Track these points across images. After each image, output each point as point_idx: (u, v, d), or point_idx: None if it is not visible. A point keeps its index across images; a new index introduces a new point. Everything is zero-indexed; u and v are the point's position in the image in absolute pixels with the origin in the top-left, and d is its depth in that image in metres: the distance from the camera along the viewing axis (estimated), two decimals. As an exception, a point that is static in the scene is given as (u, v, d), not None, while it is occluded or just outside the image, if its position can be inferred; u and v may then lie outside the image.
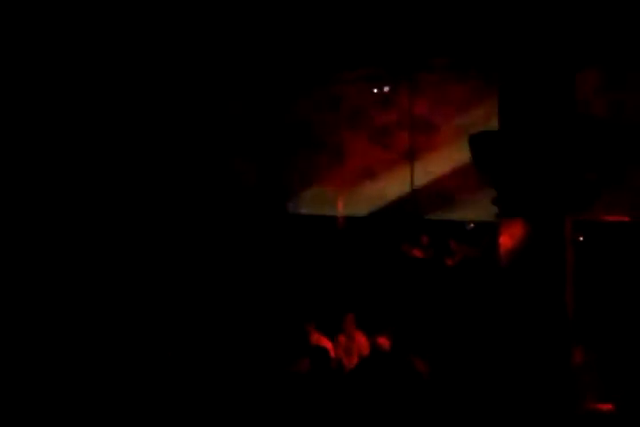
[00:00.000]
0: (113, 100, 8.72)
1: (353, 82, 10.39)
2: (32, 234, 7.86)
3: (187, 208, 9.50)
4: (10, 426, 6.37)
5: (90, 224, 8.39)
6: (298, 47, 9.73)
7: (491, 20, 7.50)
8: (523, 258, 6.95)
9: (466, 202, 9.35)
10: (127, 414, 6.42)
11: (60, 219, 8.10)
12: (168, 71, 9.30)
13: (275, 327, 8.15)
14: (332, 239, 10.09)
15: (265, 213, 10.54)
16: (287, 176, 10.99)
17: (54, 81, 8.15)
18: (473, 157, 8.18)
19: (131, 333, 7.92)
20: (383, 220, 10.15)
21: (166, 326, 8.16)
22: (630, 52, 6.96)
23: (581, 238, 7.27)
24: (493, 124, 7.51)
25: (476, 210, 9.04)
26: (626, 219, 7.01)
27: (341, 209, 10.20)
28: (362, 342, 7.56)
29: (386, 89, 10.20)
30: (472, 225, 9.34)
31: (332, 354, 7.38)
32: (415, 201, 9.93)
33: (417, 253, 9.37)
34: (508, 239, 7.07)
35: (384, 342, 7.33)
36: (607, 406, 6.23)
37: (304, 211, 10.86)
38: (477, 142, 7.83)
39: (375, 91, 10.25)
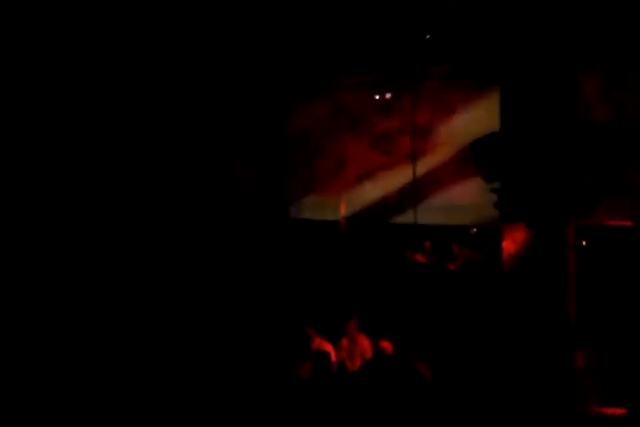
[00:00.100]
0: (115, 104, 8.75)
1: (354, 88, 10.43)
2: (31, 234, 7.87)
3: (187, 213, 9.52)
4: (10, 426, 6.36)
5: (90, 227, 8.40)
6: (299, 54, 9.78)
7: (492, 25, 7.57)
8: (525, 262, 6.98)
9: (468, 207, 9.38)
10: (127, 414, 6.42)
11: (59, 221, 8.11)
12: (169, 77, 9.33)
13: (276, 331, 8.15)
14: (334, 244, 10.10)
15: (266, 218, 10.56)
16: (288, 182, 11.02)
17: (54, 81, 8.16)
18: (474, 162, 8.25)
19: (131, 333, 7.92)
20: (385, 225, 10.17)
21: (167, 328, 8.16)
22: (630, 54, 7.00)
23: (584, 243, 7.29)
24: (495, 130, 7.58)
25: (479, 215, 9.07)
26: (628, 223, 7.04)
27: (343, 214, 10.22)
28: (365, 345, 7.57)
29: (387, 95, 10.24)
30: (475, 230, 9.36)
31: (334, 358, 7.39)
32: (417, 206, 9.96)
33: (420, 258, 9.39)
34: (510, 244, 7.11)
35: (387, 345, 7.36)
36: (617, 411, 6.23)
37: (306, 216, 10.88)
38: (479, 148, 7.89)
39: (377, 97, 10.29)
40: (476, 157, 8.48)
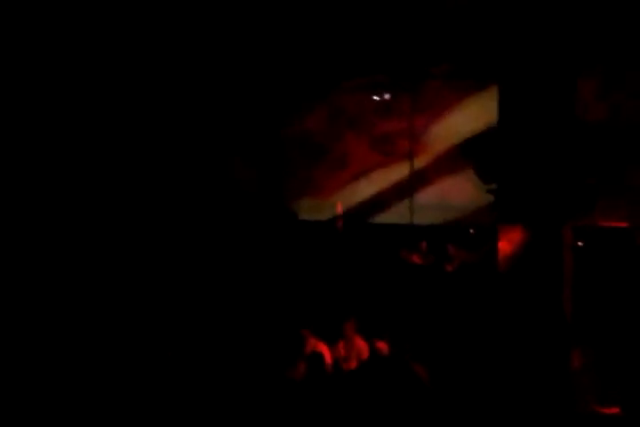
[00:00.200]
0: (116, 105, 8.76)
1: (354, 90, 10.44)
2: (32, 235, 7.87)
3: (187, 213, 9.53)
4: (10, 426, 6.36)
5: (91, 227, 8.40)
6: (299, 55, 9.79)
7: (491, 25, 7.59)
8: (521, 263, 7.00)
9: (465, 208, 9.38)
10: (126, 414, 6.42)
11: (60, 221, 8.12)
12: (170, 78, 9.35)
13: (272, 333, 8.15)
14: (332, 245, 10.10)
15: (264, 219, 10.56)
16: (287, 183, 11.02)
17: (54, 82, 8.17)
18: (472, 163, 8.27)
19: (131, 333, 7.92)
20: (382, 226, 10.18)
21: (167, 328, 8.16)
22: (629, 54, 7.02)
23: (580, 244, 7.32)
24: (493, 131, 7.60)
25: (476, 216, 9.09)
26: (624, 224, 7.06)
27: (340, 215, 10.22)
28: (362, 346, 7.57)
29: (386, 97, 10.25)
30: (472, 231, 9.37)
31: (330, 359, 7.39)
32: (415, 207, 9.96)
33: (416, 259, 9.39)
34: (506, 245, 7.13)
35: (383, 346, 7.36)
36: (613, 410, 6.24)
37: (304, 217, 10.88)
38: (477, 149, 7.91)
39: (376, 99, 10.31)
40: (474, 158, 8.51)
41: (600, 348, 6.86)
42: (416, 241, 9.51)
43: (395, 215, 10.21)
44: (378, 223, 10.28)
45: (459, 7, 7.96)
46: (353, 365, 7.47)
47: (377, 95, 10.30)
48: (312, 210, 10.87)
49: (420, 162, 10.01)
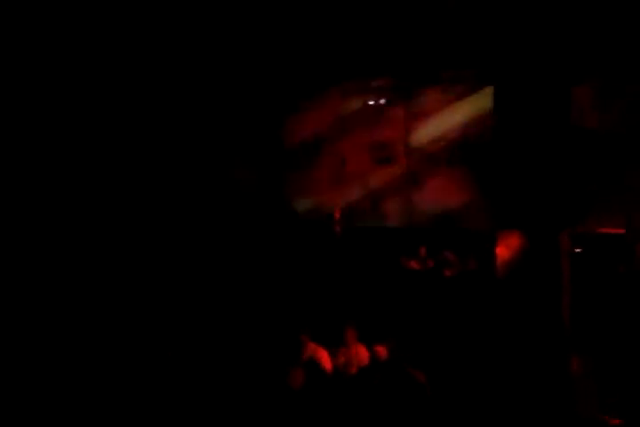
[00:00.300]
0: (117, 107, 8.77)
1: (352, 93, 10.46)
2: (33, 235, 7.89)
3: (187, 213, 9.55)
4: (10, 426, 6.36)
5: (92, 227, 8.42)
6: (300, 57, 9.80)
7: (488, 31, 7.60)
8: (519, 269, 7.02)
9: (463, 214, 9.41)
10: (126, 414, 6.43)
11: (61, 221, 8.14)
12: (170, 79, 9.36)
13: (270, 337, 8.15)
14: (330, 249, 10.11)
15: (264, 220, 10.57)
16: (286, 188, 11.04)
17: (55, 84, 8.18)
18: (470, 169, 8.29)
19: (131, 333, 7.93)
20: (380, 231, 10.19)
21: (166, 329, 8.17)
22: (625, 63, 7.05)
23: (578, 250, 7.35)
24: (490, 136, 7.62)
25: (474, 222, 9.11)
26: (622, 231, 7.10)
27: (338, 219, 10.24)
28: (362, 353, 7.56)
29: (383, 101, 10.28)
30: (469, 236, 9.35)
31: (330, 365, 7.38)
32: (412, 212, 9.99)
33: (414, 264, 9.40)
34: (504, 250, 7.15)
35: (381, 350, 7.35)
36: (613, 418, 6.28)
37: (302, 220, 10.89)
38: (474, 155, 7.93)
39: (373, 103, 10.33)
40: (472, 164, 8.53)
41: (599, 354, 6.89)
42: (414, 246, 9.53)
43: (392, 220, 10.24)
44: (375, 227, 10.30)
45: (457, 12, 7.98)
46: (352, 371, 7.46)
47: (374, 99, 10.33)
48: (310, 213, 10.89)
49: (418, 167, 10.04)
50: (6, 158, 7.80)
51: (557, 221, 7.02)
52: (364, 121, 10.47)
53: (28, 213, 7.92)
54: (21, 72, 7.89)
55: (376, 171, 10.41)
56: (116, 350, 7.58)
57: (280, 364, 7.14)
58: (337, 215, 10.17)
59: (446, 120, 9.82)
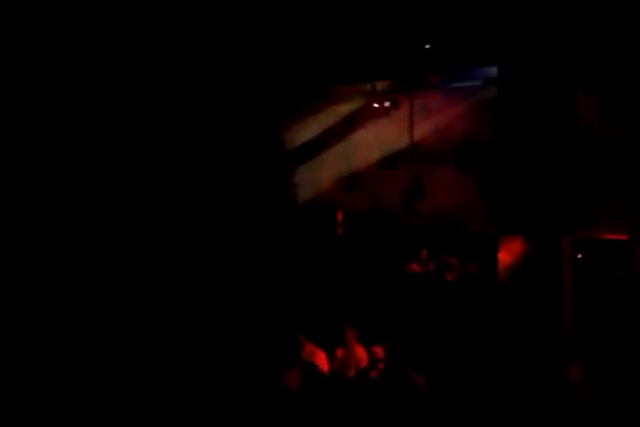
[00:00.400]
0: (119, 109, 8.79)
1: (353, 96, 10.48)
2: (33, 234, 7.89)
3: (187, 213, 9.56)
4: (10, 426, 6.36)
5: (92, 227, 8.43)
6: (301, 60, 9.82)
7: (491, 33, 7.61)
8: (521, 274, 7.01)
9: (466, 217, 9.42)
10: (126, 414, 6.42)
11: (60, 223, 8.14)
12: (171, 80, 9.37)
13: (267, 337, 8.14)
14: (331, 250, 10.12)
15: (263, 223, 10.58)
16: (288, 189, 11.06)
17: (56, 85, 8.19)
18: (472, 173, 8.28)
19: (130, 333, 7.93)
20: (383, 234, 10.20)
21: (166, 329, 8.17)
22: (628, 71, 7.06)
23: (579, 256, 7.34)
24: (492, 140, 7.60)
25: (476, 225, 9.12)
26: (624, 237, 7.09)
27: (340, 221, 10.25)
28: (360, 355, 7.54)
29: (386, 104, 10.30)
30: (472, 241, 9.37)
31: (327, 366, 7.36)
32: (415, 216, 10.00)
33: (415, 266, 9.41)
34: (506, 255, 7.13)
35: (379, 351, 7.33)
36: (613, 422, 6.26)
37: (302, 221, 10.90)
38: (478, 159, 7.92)
39: (376, 105, 10.35)
40: (474, 168, 8.52)
41: (599, 360, 6.88)
42: (416, 249, 9.54)
43: (395, 222, 10.25)
44: (377, 229, 10.30)
45: (458, 17, 7.99)
46: (351, 373, 7.44)
47: (377, 102, 10.34)
48: (312, 213, 10.90)
49: (420, 170, 10.06)
50: (6, 158, 7.81)
51: (559, 227, 7.01)
52: (367, 122, 10.50)
53: (27, 213, 7.93)
54: (22, 72, 7.90)
55: (379, 172, 10.43)
56: (116, 349, 7.59)
57: (277, 364, 7.12)
58: (339, 217, 10.18)
59: (450, 123, 9.85)
